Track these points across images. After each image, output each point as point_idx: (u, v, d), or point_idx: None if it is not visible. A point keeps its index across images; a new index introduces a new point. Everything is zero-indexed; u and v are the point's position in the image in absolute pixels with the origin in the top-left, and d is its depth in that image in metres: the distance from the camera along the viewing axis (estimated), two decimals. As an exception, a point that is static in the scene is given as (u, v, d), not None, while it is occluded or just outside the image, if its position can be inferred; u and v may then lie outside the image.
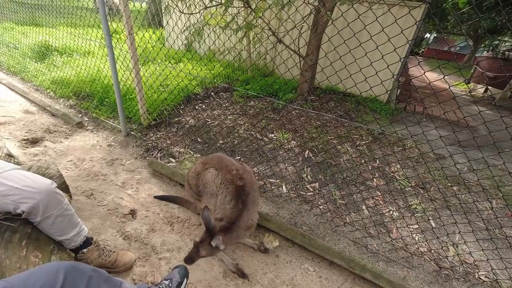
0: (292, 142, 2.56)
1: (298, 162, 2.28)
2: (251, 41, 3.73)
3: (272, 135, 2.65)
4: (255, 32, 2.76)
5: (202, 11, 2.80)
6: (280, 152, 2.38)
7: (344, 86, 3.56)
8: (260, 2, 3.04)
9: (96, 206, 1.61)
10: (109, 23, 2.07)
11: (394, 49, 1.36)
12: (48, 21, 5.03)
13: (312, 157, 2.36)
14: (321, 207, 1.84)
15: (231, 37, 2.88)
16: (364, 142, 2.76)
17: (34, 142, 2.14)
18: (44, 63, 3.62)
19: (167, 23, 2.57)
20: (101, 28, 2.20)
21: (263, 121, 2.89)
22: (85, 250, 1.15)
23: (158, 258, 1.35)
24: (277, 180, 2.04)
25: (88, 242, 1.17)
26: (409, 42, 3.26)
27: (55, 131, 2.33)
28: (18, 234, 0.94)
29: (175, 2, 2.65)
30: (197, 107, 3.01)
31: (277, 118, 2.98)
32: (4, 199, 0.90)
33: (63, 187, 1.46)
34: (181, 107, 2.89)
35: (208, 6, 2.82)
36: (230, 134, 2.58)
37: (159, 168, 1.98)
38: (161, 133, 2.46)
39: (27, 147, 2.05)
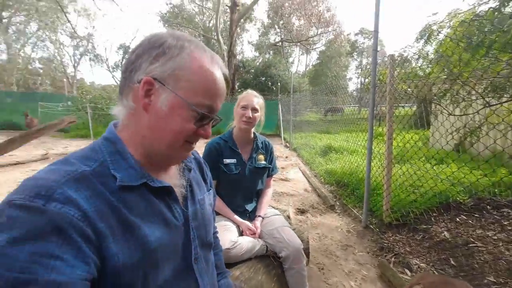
0: None
1: None
2: None
3: None
4: None
5: (480, 110, 2.44)
6: None
7: None
8: None
9: (321, 281, 1.83)
10: (375, 127, 2.57)
11: None
12: (335, 129, 7.12)
13: None
14: None
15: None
16: None
17: (302, 212, 3.00)
18: (324, 158, 5.09)
19: (432, 124, 2.56)
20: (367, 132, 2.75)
21: None
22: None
23: None
24: None
25: (305, 308, 1.37)
26: None
27: (315, 208, 3.10)
28: (274, 271, 1.39)
29: (443, 106, 2.62)
30: (458, 219, 2.38)
31: None
32: (277, 243, 1.41)
33: (306, 252, 1.88)
34: (434, 214, 2.48)
35: (492, 104, 2.40)
36: (514, 274, 1.69)
37: (389, 274, 1.81)
38: (401, 236, 2.27)
39: (297, 214, 2.93)
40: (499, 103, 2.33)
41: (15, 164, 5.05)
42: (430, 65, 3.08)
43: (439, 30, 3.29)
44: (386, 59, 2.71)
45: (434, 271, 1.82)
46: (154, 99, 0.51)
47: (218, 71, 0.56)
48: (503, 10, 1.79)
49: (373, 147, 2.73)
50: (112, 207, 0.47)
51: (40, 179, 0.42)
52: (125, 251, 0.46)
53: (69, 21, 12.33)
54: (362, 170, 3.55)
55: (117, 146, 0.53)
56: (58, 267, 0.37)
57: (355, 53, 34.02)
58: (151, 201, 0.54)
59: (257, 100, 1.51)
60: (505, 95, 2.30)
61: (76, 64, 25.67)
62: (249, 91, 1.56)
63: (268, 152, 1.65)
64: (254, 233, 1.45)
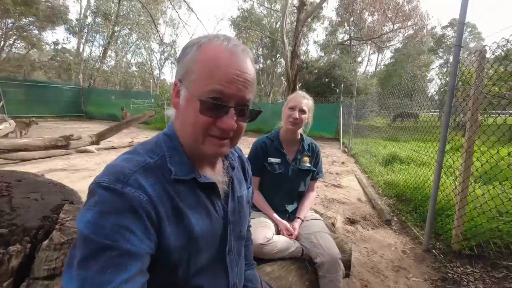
0: None
1: None
2: None
3: None
4: None
5: None
6: None
7: None
8: None
9: (364, 298, 1.70)
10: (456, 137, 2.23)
11: None
12: (404, 137, 6.30)
13: None
14: None
15: None
16: None
17: (351, 222, 2.81)
18: (386, 168, 4.59)
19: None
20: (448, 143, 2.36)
21: None
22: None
23: None
24: None
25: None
26: None
27: (368, 220, 2.85)
28: (307, 275, 1.37)
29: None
30: None
31: None
32: (313, 248, 1.39)
33: (348, 264, 1.76)
34: (527, 250, 1.96)
35: None
36: None
37: (448, 309, 1.55)
38: (472, 269, 1.89)
39: (346, 224, 2.76)
40: None
41: (111, 148, 6.30)
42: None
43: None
44: (471, 55, 2.27)
45: (514, 320, 1.47)
46: (180, 97, 0.57)
47: (231, 56, 0.53)
48: None
49: (446, 160, 2.35)
50: (169, 196, 0.53)
51: (118, 166, 0.51)
52: (175, 235, 0.53)
53: (158, 31, 14.52)
54: (430, 185, 3.08)
55: (173, 142, 0.59)
56: (132, 239, 0.44)
57: (441, 50, 29.00)
58: (197, 195, 0.59)
59: (306, 101, 1.50)
60: None
61: (161, 67, 29.99)
62: (299, 92, 1.57)
63: (314, 155, 1.63)
64: (291, 234, 1.46)
